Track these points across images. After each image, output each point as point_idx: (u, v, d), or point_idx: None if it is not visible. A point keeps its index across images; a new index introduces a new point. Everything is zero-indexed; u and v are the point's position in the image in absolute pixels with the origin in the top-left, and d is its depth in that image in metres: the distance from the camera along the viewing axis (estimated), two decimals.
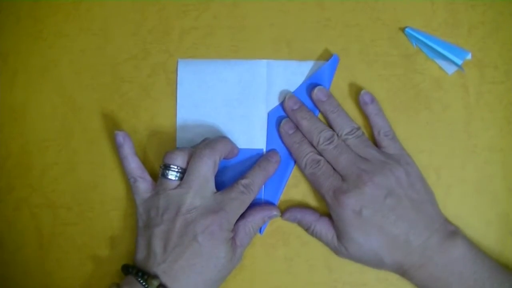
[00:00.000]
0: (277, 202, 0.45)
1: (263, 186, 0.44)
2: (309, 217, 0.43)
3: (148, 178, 0.42)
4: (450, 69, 0.45)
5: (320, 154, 0.43)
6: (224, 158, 0.42)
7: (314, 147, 0.43)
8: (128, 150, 0.42)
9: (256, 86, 0.45)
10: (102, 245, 0.45)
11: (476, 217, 0.44)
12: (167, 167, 0.41)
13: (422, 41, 0.45)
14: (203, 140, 0.43)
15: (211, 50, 0.46)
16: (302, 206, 0.44)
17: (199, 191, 0.40)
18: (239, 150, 0.44)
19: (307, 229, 0.43)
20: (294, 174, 0.45)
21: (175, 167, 0.41)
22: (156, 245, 0.39)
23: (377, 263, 0.41)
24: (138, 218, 0.41)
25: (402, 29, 0.45)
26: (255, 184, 0.42)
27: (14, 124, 0.46)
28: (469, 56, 0.44)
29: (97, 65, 0.47)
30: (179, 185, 0.40)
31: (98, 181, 0.46)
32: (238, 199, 0.41)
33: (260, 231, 0.44)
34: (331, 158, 0.42)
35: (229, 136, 0.45)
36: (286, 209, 0.44)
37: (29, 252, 0.45)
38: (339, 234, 0.41)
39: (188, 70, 0.46)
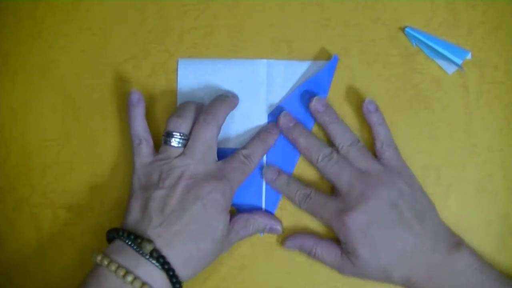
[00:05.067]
0: (277, 204, 0.45)
1: (264, 189, 0.44)
2: (310, 242, 0.43)
3: (152, 143, 0.42)
4: (450, 69, 0.45)
5: (308, 186, 0.43)
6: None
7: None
8: (140, 110, 0.42)
9: (256, 86, 0.45)
10: (102, 246, 0.45)
11: (476, 217, 0.44)
12: (170, 134, 0.41)
13: (422, 41, 0.45)
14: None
15: (211, 50, 0.46)
16: (302, 232, 0.44)
17: (203, 158, 0.40)
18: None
19: (308, 253, 0.43)
20: (294, 174, 0.45)
21: (178, 133, 0.41)
22: (153, 208, 0.38)
23: (385, 278, 0.41)
24: (135, 181, 0.41)
25: (402, 29, 0.45)
26: (255, 155, 0.42)
27: (14, 124, 0.46)
28: (469, 56, 0.44)
29: (97, 65, 0.47)
30: (182, 153, 0.40)
31: (98, 181, 0.46)
32: (239, 169, 0.41)
33: (261, 233, 0.44)
34: (332, 174, 0.42)
35: (229, 136, 0.45)
36: (287, 237, 0.43)
37: (29, 252, 0.45)
38: (347, 253, 0.41)
39: (188, 70, 0.46)
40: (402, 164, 0.43)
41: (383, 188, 0.40)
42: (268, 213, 0.44)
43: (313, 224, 0.44)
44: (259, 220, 0.43)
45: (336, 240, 0.42)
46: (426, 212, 0.41)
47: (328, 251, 0.42)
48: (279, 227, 0.43)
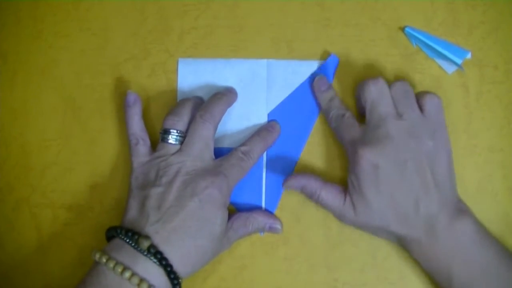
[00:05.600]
0: (277, 204, 0.45)
1: (264, 187, 0.44)
2: (314, 184, 0.42)
3: (149, 142, 0.43)
4: (450, 69, 0.45)
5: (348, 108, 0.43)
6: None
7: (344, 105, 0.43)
8: (136, 111, 0.43)
9: (256, 86, 0.45)
10: (102, 245, 0.45)
11: (476, 217, 0.44)
12: (167, 131, 0.41)
13: (422, 41, 0.45)
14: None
15: (211, 50, 0.46)
16: (306, 173, 0.44)
17: (199, 155, 0.40)
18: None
19: (311, 196, 0.42)
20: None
21: (175, 131, 0.41)
22: (150, 206, 0.38)
23: (381, 231, 0.40)
24: (133, 180, 0.41)
25: (402, 29, 0.45)
26: (254, 152, 0.42)
27: (14, 124, 0.46)
28: (469, 56, 0.44)
29: (97, 65, 0.47)
30: (179, 150, 0.41)
31: (98, 181, 0.46)
32: (237, 165, 0.41)
33: (261, 232, 0.44)
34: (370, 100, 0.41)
35: (230, 136, 0.45)
36: (290, 176, 0.43)
37: (29, 252, 0.45)
38: (350, 190, 0.40)
39: (188, 70, 0.46)
40: (442, 122, 0.41)
41: (411, 140, 0.39)
42: (268, 212, 0.44)
43: (313, 224, 0.44)
44: (259, 219, 0.43)
45: (340, 186, 0.42)
46: (445, 178, 0.39)
47: (332, 195, 0.41)
48: (279, 226, 0.43)
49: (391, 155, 0.39)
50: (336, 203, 0.41)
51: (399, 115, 0.40)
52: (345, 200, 0.41)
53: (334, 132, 0.44)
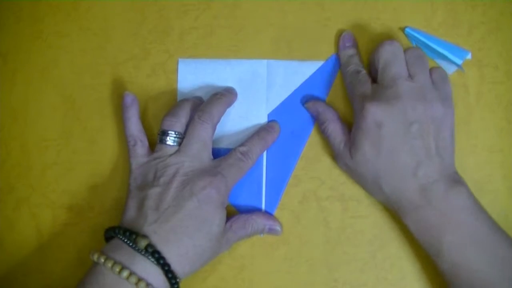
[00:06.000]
0: (277, 204, 0.45)
1: (264, 187, 0.44)
2: (329, 115, 0.43)
3: (147, 143, 0.43)
4: (450, 69, 0.45)
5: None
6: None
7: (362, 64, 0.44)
8: (134, 112, 0.43)
9: (256, 86, 0.45)
10: (102, 245, 0.45)
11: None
12: (165, 133, 0.41)
13: (422, 41, 0.45)
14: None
15: (211, 50, 0.46)
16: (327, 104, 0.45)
17: (198, 155, 0.40)
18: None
19: (321, 125, 0.43)
20: (295, 174, 0.45)
21: (173, 132, 0.41)
22: (149, 206, 0.38)
23: (372, 187, 0.40)
24: (131, 181, 0.41)
25: (402, 29, 0.45)
26: (253, 152, 0.42)
27: (14, 124, 0.46)
28: (469, 56, 0.44)
29: (97, 65, 0.47)
30: (177, 151, 0.41)
31: (98, 181, 0.46)
32: (236, 165, 0.41)
33: (260, 234, 0.44)
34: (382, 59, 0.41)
35: (229, 136, 0.45)
36: (313, 100, 0.44)
37: (29, 252, 0.45)
38: (352, 142, 0.41)
39: (188, 70, 0.46)
40: (449, 93, 0.41)
41: (420, 103, 0.39)
42: (267, 213, 0.44)
43: (313, 224, 0.44)
44: (258, 221, 0.43)
45: (350, 129, 0.42)
46: (446, 148, 0.39)
47: (337, 132, 0.42)
48: (278, 228, 0.43)
49: (397, 115, 0.39)
50: (337, 141, 0.42)
51: (411, 77, 0.40)
52: (345, 143, 0.41)
53: (346, 87, 0.44)
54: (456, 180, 0.39)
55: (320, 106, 0.44)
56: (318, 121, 0.44)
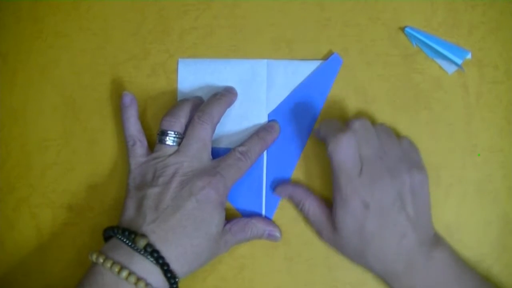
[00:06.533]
0: (277, 204, 0.45)
1: (264, 187, 0.44)
2: (301, 193, 0.42)
3: (146, 143, 0.43)
4: (450, 69, 0.45)
5: None
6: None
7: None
8: (132, 112, 0.43)
9: (256, 86, 0.45)
10: (102, 245, 0.45)
11: (476, 217, 0.44)
12: (164, 133, 0.41)
13: (422, 41, 0.45)
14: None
15: (211, 50, 0.46)
16: (295, 182, 0.44)
17: (197, 156, 0.40)
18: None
19: (297, 205, 0.43)
20: (295, 174, 0.45)
21: (173, 132, 0.41)
22: (147, 206, 0.38)
23: (357, 259, 0.40)
24: (130, 181, 0.41)
25: (402, 29, 0.45)
26: (252, 152, 0.42)
27: (14, 124, 0.46)
28: (469, 56, 0.44)
29: (97, 65, 0.47)
30: (177, 151, 0.41)
31: (98, 181, 0.46)
32: (235, 166, 0.41)
33: (259, 238, 0.44)
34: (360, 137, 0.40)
35: (229, 136, 0.45)
36: (280, 184, 0.44)
37: (29, 252, 0.45)
38: (335, 218, 0.40)
39: (188, 70, 0.46)
40: (419, 158, 0.41)
41: (398, 175, 0.39)
42: (268, 219, 0.44)
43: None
44: (258, 225, 0.43)
45: (326, 201, 0.42)
46: (425, 212, 0.40)
47: (315, 208, 0.42)
48: (278, 234, 0.43)
49: (382, 194, 0.38)
50: (316, 217, 0.42)
51: (385, 155, 0.40)
52: (326, 218, 0.41)
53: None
54: (436, 242, 0.40)
55: (289, 187, 0.43)
56: (294, 203, 0.43)
